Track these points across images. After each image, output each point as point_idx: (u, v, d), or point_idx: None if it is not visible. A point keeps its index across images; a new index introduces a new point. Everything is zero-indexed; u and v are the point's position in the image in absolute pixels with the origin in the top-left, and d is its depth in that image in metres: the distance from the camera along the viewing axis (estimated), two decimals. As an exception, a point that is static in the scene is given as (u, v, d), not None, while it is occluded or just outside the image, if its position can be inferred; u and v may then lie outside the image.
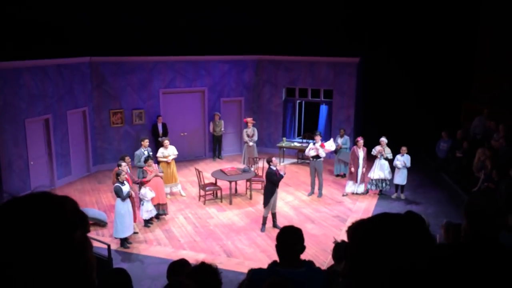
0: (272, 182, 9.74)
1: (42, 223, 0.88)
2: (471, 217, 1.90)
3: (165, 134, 14.04)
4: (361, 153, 11.97)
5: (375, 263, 1.08)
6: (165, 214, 10.63)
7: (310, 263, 3.34)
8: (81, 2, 13.46)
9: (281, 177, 9.85)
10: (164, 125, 14.40)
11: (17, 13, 12.29)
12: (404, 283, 1.05)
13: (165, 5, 14.93)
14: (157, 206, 10.29)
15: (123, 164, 9.55)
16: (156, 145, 13.24)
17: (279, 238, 3.28)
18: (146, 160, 10.51)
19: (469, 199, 1.99)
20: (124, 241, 9.23)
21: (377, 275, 1.07)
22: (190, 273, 2.82)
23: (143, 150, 11.20)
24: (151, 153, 11.22)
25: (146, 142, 11.38)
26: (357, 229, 1.16)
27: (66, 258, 0.89)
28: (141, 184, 10.23)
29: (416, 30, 15.83)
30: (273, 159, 10.00)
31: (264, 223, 10.01)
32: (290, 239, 3.23)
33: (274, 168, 9.82)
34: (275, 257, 9.28)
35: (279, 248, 3.26)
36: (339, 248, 5.35)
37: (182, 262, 3.75)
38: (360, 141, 12.02)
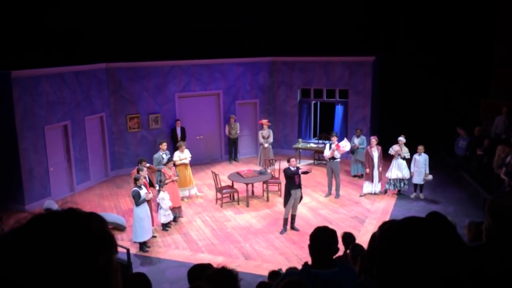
0: (288, 177, 9.73)
1: (64, 246, 0.83)
2: (495, 217, 1.85)
3: (183, 138, 14.14)
4: (375, 152, 11.85)
5: (404, 266, 1.07)
6: (181, 217, 10.73)
7: (341, 263, 3.33)
8: (96, 8, 13.65)
9: (296, 172, 9.79)
10: (182, 129, 14.51)
11: (33, 22, 12.53)
12: (434, 286, 1.04)
13: (178, 9, 15.04)
14: (172, 209, 10.36)
15: (144, 169, 9.64)
16: (175, 149, 13.35)
17: (313, 239, 3.25)
18: (168, 161, 10.66)
19: (492, 199, 1.95)
20: (143, 245, 9.30)
21: (406, 278, 1.06)
22: (210, 276, 2.82)
23: (161, 153, 11.33)
24: (169, 156, 11.34)
25: (164, 145, 11.51)
26: (385, 232, 1.15)
27: (88, 283, 0.84)
28: (160, 187, 10.32)
29: (432, 26, 15.64)
30: (292, 159, 10.00)
31: (285, 225, 9.99)
32: (324, 240, 3.21)
33: (293, 169, 9.78)
34: (294, 259, 9.21)
35: (313, 249, 3.24)
36: (355, 249, 5.43)
37: (203, 266, 3.75)
38: (373, 140, 11.90)
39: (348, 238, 6.03)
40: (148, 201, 9.43)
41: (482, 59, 15.02)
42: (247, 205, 11.54)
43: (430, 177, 11.62)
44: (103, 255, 0.87)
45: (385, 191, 12.10)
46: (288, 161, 9.95)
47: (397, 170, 11.70)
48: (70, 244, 0.84)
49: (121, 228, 10.25)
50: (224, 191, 11.69)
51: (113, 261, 0.91)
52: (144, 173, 9.53)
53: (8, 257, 0.82)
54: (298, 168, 9.99)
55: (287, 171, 9.78)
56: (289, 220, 10.07)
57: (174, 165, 11.32)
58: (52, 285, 0.80)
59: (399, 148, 11.67)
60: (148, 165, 10.19)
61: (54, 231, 0.85)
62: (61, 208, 0.93)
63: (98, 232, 0.89)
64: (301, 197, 10.09)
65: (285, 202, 9.89)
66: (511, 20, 14.05)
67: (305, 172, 10.23)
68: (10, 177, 11.39)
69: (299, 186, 9.90)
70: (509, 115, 12.55)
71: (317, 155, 15.18)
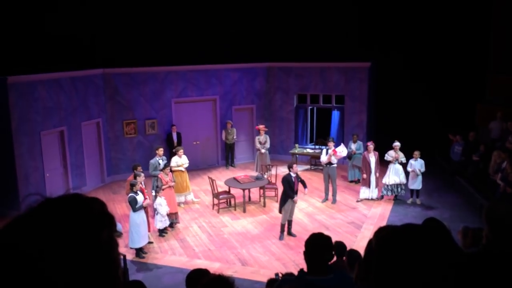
0: (287, 184, 9.69)
1: (72, 223, 0.96)
2: (492, 224, 1.86)
3: (179, 143, 14.13)
4: (372, 158, 11.88)
5: (400, 273, 1.08)
6: (177, 223, 10.71)
7: (336, 269, 3.34)
8: (93, 14, 13.66)
9: (295, 192, 9.82)
10: (178, 134, 14.50)
11: (30, 28, 12.52)
12: None
13: (174, 15, 15.08)
14: (169, 215, 10.33)
15: (141, 175, 9.60)
16: (170, 154, 13.33)
17: (308, 245, 3.27)
18: (165, 167, 10.64)
19: (489, 206, 1.96)
20: (139, 251, 9.26)
21: (403, 285, 1.07)
22: (206, 284, 2.81)
23: (157, 159, 11.29)
24: (166, 162, 11.31)
25: (160, 151, 11.46)
26: (382, 239, 1.17)
27: (93, 256, 0.95)
28: (157, 193, 10.28)
29: (427, 32, 15.73)
30: (294, 165, 9.96)
31: (282, 231, 9.98)
32: (319, 247, 3.24)
33: (293, 175, 9.76)
34: (290, 265, 9.21)
35: (308, 255, 3.26)
36: (352, 255, 5.44)
37: (201, 272, 3.75)
38: (370, 146, 11.94)
39: (339, 247, 5.96)
40: (145, 207, 9.40)
41: (477, 65, 15.12)
42: (244, 211, 11.52)
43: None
44: (105, 230, 1.00)
45: (382, 197, 12.12)
46: (291, 167, 9.86)
47: (395, 175, 11.72)
48: (78, 221, 0.96)
49: (117, 234, 10.19)
50: (220, 196, 11.67)
51: (114, 237, 1.03)
52: (141, 178, 9.50)
53: (25, 233, 0.93)
54: (297, 175, 9.97)
55: (286, 178, 9.75)
56: (286, 225, 10.06)
57: (171, 170, 11.30)
58: (61, 259, 0.91)
59: (396, 154, 11.70)
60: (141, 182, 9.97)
61: (64, 210, 0.98)
62: (68, 193, 1.06)
63: (101, 211, 1.02)
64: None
65: (280, 208, 9.89)
66: (506, 26, 14.17)
67: (303, 182, 10.15)
68: (5, 182, 11.33)
69: (296, 193, 9.89)
70: (505, 120, 12.62)
71: (313, 161, 15.20)
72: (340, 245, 6.07)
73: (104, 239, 0.98)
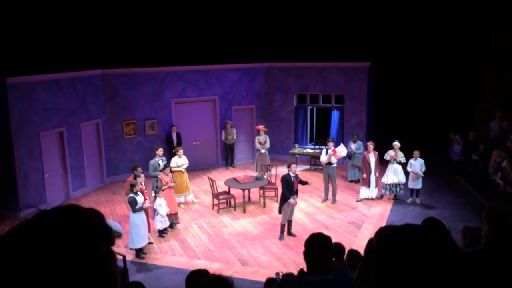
0: (286, 184, 9.69)
1: (68, 236, 0.93)
2: (493, 223, 1.86)
3: (179, 143, 14.14)
4: (372, 158, 11.88)
5: (400, 274, 1.08)
6: (177, 223, 10.72)
7: (336, 269, 3.34)
8: (92, 15, 13.66)
9: (297, 189, 9.83)
10: (178, 135, 14.51)
11: (29, 28, 12.52)
12: None
13: (174, 16, 15.08)
14: (169, 216, 10.32)
15: (141, 176, 9.59)
16: (170, 154, 13.33)
17: (308, 246, 3.28)
18: (165, 167, 10.63)
19: (491, 205, 1.96)
20: (139, 252, 9.26)
21: (401, 284, 1.08)
22: (205, 285, 2.80)
23: (157, 159, 11.29)
24: (166, 162, 11.31)
25: (160, 151, 11.46)
26: (381, 241, 1.16)
27: (90, 270, 0.92)
28: (157, 193, 10.28)
29: (427, 32, 15.73)
30: (293, 165, 9.96)
31: (282, 231, 9.98)
32: (319, 247, 3.24)
33: (292, 175, 9.76)
34: (290, 265, 9.21)
35: (308, 255, 3.27)
36: (352, 256, 5.43)
37: (200, 273, 3.74)
38: (370, 145, 11.94)
39: (337, 249, 5.95)
40: (145, 209, 9.39)
41: (477, 65, 15.11)
42: (244, 211, 11.52)
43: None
44: (103, 244, 0.97)
45: (381, 196, 12.12)
46: (289, 167, 9.87)
47: (393, 175, 11.73)
48: (75, 234, 0.94)
49: (117, 235, 10.20)
50: (220, 197, 11.67)
51: (112, 250, 1.01)
52: (141, 179, 9.50)
53: (20, 247, 0.90)
54: (296, 175, 9.97)
55: (285, 177, 9.76)
56: (286, 226, 10.06)
57: (171, 171, 11.29)
58: (58, 273, 0.89)
59: (395, 153, 11.71)
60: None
61: (60, 222, 0.96)
62: (64, 204, 1.03)
63: (98, 224, 1.00)
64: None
65: (280, 208, 9.88)
66: (506, 26, 14.18)
67: (304, 183, 10.17)
68: (5, 184, 11.33)
69: (295, 193, 9.89)
70: (504, 119, 12.62)
71: (313, 161, 15.19)
72: (339, 246, 6.07)
73: (101, 252, 0.96)
